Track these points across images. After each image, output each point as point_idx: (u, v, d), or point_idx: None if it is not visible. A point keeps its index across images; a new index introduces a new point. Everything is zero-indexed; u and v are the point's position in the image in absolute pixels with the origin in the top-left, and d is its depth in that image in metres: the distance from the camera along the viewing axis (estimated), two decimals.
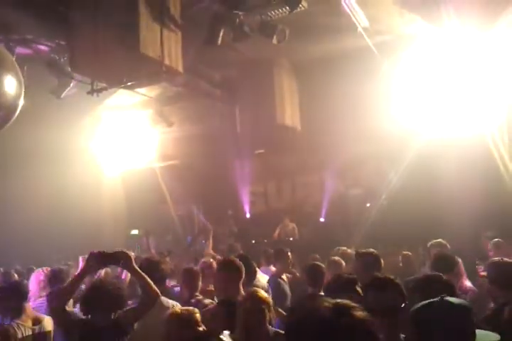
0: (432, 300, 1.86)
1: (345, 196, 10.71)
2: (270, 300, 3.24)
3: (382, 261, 4.14)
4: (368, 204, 10.17)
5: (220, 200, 11.06)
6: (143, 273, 3.31)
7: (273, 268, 5.92)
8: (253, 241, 10.24)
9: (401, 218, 8.65)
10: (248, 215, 11.41)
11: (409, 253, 6.43)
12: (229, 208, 11.10)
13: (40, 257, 7.69)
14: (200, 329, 2.88)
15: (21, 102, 4.74)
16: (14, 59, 5.51)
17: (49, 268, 5.13)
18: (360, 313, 1.28)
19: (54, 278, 4.83)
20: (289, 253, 5.75)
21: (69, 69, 7.83)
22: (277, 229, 10.14)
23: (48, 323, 3.91)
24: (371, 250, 4.25)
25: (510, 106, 8.01)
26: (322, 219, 10.49)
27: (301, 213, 10.61)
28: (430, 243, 5.60)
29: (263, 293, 3.27)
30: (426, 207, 8.53)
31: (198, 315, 2.95)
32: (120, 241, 10.41)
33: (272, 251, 6.26)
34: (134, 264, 3.34)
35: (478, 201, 7.87)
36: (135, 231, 11.76)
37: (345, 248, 5.68)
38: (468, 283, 4.33)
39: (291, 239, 9.68)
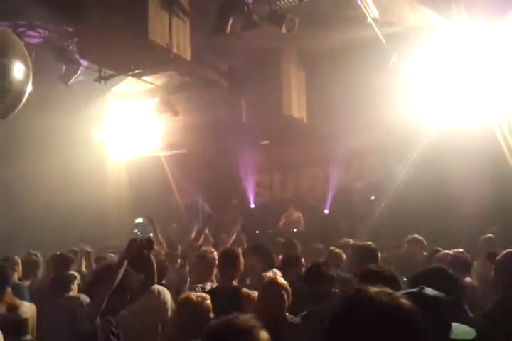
0: (410, 290, 1.86)
1: (349, 188, 10.70)
2: (288, 287, 3.28)
3: (379, 254, 4.15)
4: (373, 197, 10.16)
5: (225, 190, 11.08)
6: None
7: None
8: (257, 232, 10.27)
9: (406, 211, 8.65)
10: (253, 205, 11.43)
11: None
12: (234, 198, 11.11)
13: (46, 242, 7.73)
14: (211, 315, 2.89)
15: (29, 88, 4.75)
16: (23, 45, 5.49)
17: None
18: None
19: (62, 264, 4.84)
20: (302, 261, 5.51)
21: (77, 56, 7.85)
22: (282, 218, 10.14)
23: (28, 310, 3.79)
24: (368, 243, 4.27)
25: None
26: (326, 211, 10.49)
27: (306, 205, 10.61)
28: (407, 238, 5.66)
29: (282, 280, 3.34)
30: (432, 200, 8.53)
31: (209, 301, 2.97)
32: (125, 229, 10.46)
33: (282, 240, 6.22)
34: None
35: (485, 194, 7.84)
36: (139, 220, 11.80)
37: (348, 239, 5.64)
38: (468, 279, 4.33)
39: (295, 229, 9.69)
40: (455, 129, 8.24)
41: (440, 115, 8.79)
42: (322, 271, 3.33)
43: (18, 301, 3.84)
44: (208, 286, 4.11)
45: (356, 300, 1.32)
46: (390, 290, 1.33)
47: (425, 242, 5.66)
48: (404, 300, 1.30)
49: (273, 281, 3.29)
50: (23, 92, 4.60)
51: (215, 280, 4.40)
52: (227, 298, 3.35)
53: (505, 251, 3.30)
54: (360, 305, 1.28)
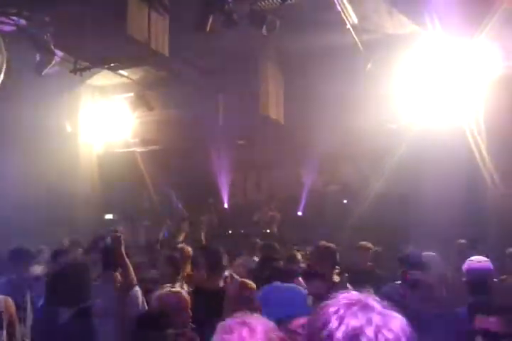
0: None
1: (322, 191, 10.80)
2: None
3: (337, 255, 4.27)
4: (345, 201, 10.27)
5: (200, 188, 11.02)
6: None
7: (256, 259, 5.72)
8: (229, 232, 10.25)
9: (379, 215, 8.76)
10: (226, 205, 11.41)
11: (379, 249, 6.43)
12: (208, 196, 11.06)
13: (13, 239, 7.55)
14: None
15: (1, 77, 4.63)
16: None
17: None
18: None
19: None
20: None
21: (52, 46, 7.69)
22: (256, 218, 10.07)
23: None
24: (329, 244, 4.38)
25: (486, 101, 8.14)
26: (300, 213, 10.54)
27: (279, 206, 10.64)
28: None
29: (251, 283, 3.30)
30: (404, 205, 8.67)
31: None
32: (93, 225, 10.27)
33: (259, 242, 6.20)
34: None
35: (459, 200, 8.01)
36: (109, 216, 11.64)
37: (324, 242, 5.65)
38: None
39: (268, 230, 9.68)
40: (428, 135, 8.40)
41: (413, 121, 8.97)
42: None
43: None
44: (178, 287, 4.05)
45: None
46: None
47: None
48: None
49: (242, 285, 3.23)
50: None
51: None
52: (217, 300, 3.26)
53: None
54: None
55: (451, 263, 5.14)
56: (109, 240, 3.29)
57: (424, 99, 8.95)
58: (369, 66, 8.88)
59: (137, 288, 3.44)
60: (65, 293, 2.88)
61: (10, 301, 3.61)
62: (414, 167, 8.62)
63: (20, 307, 3.99)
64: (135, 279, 3.23)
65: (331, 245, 4.11)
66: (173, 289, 3.14)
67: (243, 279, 3.52)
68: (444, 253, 5.41)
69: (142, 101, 10.83)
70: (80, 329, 2.89)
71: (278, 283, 3.53)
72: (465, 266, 3.61)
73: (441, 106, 8.81)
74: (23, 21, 7.93)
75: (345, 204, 10.32)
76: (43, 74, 8.28)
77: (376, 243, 6.00)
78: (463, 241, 6.34)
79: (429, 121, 8.74)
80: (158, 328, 2.56)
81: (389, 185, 9.04)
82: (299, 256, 5.21)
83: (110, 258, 3.36)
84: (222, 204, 11.41)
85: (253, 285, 3.28)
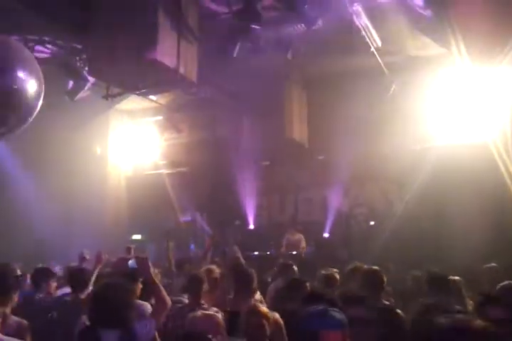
0: None
1: (348, 213, 10.72)
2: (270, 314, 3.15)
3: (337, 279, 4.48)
4: (372, 223, 10.16)
5: (225, 209, 11.08)
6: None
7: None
8: (256, 253, 10.21)
9: (406, 237, 8.63)
10: (252, 227, 11.41)
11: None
12: (233, 218, 11.11)
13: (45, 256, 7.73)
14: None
15: (40, 103, 4.83)
16: None
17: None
18: None
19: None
20: (295, 268, 5.60)
21: (84, 72, 7.99)
22: (284, 241, 9.99)
23: None
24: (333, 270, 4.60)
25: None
26: (326, 235, 10.44)
27: (304, 228, 10.59)
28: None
29: (264, 308, 3.19)
30: (431, 228, 8.56)
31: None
32: (122, 245, 10.39)
33: (285, 263, 6.14)
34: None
35: (486, 223, 7.85)
36: (137, 236, 11.78)
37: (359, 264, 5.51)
38: None
39: (294, 252, 9.59)
40: (453, 156, 8.32)
41: (438, 142, 8.92)
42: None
43: None
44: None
45: None
46: None
47: None
48: None
49: (254, 310, 3.07)
50: (35, 107, 4.69)
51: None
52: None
53: None
54: None
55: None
56: (133, 263, 3.30)
57: (448, 120, 8.92)
58: (393, 88, 8.92)
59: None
60: (109, 314, 2.80)
61: (25, 324, 3.37)
62: (441, 188, 8.53)
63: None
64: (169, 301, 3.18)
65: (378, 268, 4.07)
66: (207, 312, 3.13)
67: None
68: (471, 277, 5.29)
69: (170, 124, 11.08)
70: None
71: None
72: None
73: (466, 128, 8.76)
74: (56, 49, 8.31)
75: (371, 226, 10.21)
76: (75, 99, 8.61)
77: (402, 265, 5.92)
78: (493, 264, 6.17)
79: (453, 142, 8.68)
80: None
81: (415, 207, 8.94)
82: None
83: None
84: (248, 225, 11.44)
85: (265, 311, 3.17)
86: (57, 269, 6.00)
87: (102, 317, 2.76)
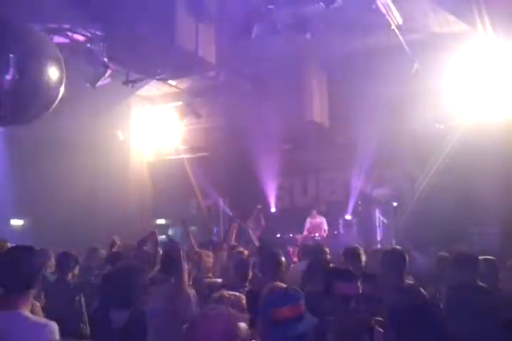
0: None
1: (370, 195, 10.66)
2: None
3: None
4: (395, 204, 10.09)
5: (247, 193, 11.15)
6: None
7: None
8: (278, 235, 10.29)
9: (429, 218, 8.57)
10: (273, 209, 11.48)
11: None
12: (255, 202, 11.19)
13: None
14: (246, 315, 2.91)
15: (62, 90, 4.91)
16: None
17: None
18: None
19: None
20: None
21: (105, 59, 8.05)
22: (306, 224, 10.02)
23: None
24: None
25: None
26: (348, 217, 10.44)
27: (326, 209, 10.59)
28: None
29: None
30: (456, 208, 8.45)
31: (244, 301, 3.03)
32: (146, 229, 10.58)
33: (308, 245, 6.16)
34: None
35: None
36: (161, 221, 11.97)
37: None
38: None
39: (316, 234, 9.64)
40: (477, 134, 8.16)
41: (462, 120, 8.75)
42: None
43: None
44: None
45: None
46: None
47: None
48: None
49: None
50: (56, 94, 4.77)
51: None
52: None
53: None
54: None
55: None
56: (168, 245, 3.45)
57: (472, 98, 8.72)
58: (415, 66, 8.74)
59: (191, 290, 3.59)
60: (119, 294, 2.95)
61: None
62: (466, 168, 8.39)
63: None
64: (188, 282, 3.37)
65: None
66: (231, 292, 3.21)
67: None
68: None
69: (190, 109, 11.12)
70: (134, 329, 2.95)
71: None
72: None
73: (491, 106, 8.56)
74: (77, 36, 8.38)
75: (394, 207, 10.14)
76: (96, 86, 8.70)
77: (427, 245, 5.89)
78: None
79: (477, 120, 8.50)
80: None
81: (439, 187, 8.84)
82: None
83: (168, 262, 3.53)
84: (269, 208, 11.50)
85: None
86: None
87: (112, 297, 2.91)
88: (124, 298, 2.93)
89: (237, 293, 3.25)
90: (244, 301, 3.08)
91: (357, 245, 4.81)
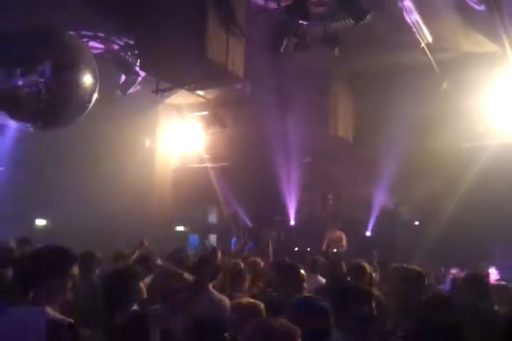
0: None
1: (393, 212, 10.56)
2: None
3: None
4: (417, 223, 9.97)
5: (267, 204, 11.19)
6: None
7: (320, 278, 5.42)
8: (296, 249, 10.26)
9: (452, 241, 8.44)
10: (293, 222, 11.47)
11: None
12: (274, 213, 11.22)
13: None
14: None
15: (95, 97, 5.05)
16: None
17: None
18: None
19: None
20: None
21: (136, 67, 8.25)
22: (325, 238, 9.96)
23: None
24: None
25: None
26: (368, 234, 10.34)
27: (346, 225, 10.53)
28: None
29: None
30: (480, 227, 8.31)
31: (262, 307, 3.05)
32: (167, 236, 10.72)
33: (320, 259, 6.07)
34: None
35: None
36: (181, 228, 12.08)
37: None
38: None
39: (335, 250, 9.57)
40: (504, 154, 8.06)
41: (489, 140, 8.65)
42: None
43: None
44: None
45: None
46: None
47: None
48: None
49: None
50: (89, 101, 4.91)
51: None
52: None
53: None
54: None
55: None
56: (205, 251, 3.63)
57: (501, 118, 8.62)
58: (444, 85, 8.70)
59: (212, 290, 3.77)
60: (112, 297, 3.07)
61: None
62: (492, 188, 8.27)
63: None
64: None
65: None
66: (250, 299, 3.22)
67: None
68: None
69: (215, 119, 11.26)
70: (135, 331, 3.06)
71: None
72: None
73: None
74: (110, 44, 8.62)
75: (416, 225, 10.02)
76: (127, 93, 8.91)
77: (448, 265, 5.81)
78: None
79: (505, 140, 8.39)
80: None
81: (463, 208, 8.72)
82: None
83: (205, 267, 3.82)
84: (289, 221, 11.50)
85: None
86: None
87: (110, 298, 3.06)
88: (124, 299, 3.06)
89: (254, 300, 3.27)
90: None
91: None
